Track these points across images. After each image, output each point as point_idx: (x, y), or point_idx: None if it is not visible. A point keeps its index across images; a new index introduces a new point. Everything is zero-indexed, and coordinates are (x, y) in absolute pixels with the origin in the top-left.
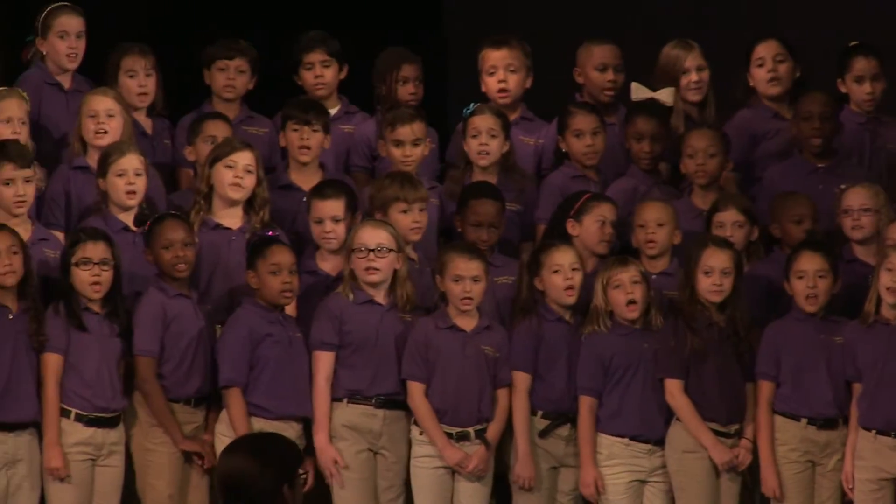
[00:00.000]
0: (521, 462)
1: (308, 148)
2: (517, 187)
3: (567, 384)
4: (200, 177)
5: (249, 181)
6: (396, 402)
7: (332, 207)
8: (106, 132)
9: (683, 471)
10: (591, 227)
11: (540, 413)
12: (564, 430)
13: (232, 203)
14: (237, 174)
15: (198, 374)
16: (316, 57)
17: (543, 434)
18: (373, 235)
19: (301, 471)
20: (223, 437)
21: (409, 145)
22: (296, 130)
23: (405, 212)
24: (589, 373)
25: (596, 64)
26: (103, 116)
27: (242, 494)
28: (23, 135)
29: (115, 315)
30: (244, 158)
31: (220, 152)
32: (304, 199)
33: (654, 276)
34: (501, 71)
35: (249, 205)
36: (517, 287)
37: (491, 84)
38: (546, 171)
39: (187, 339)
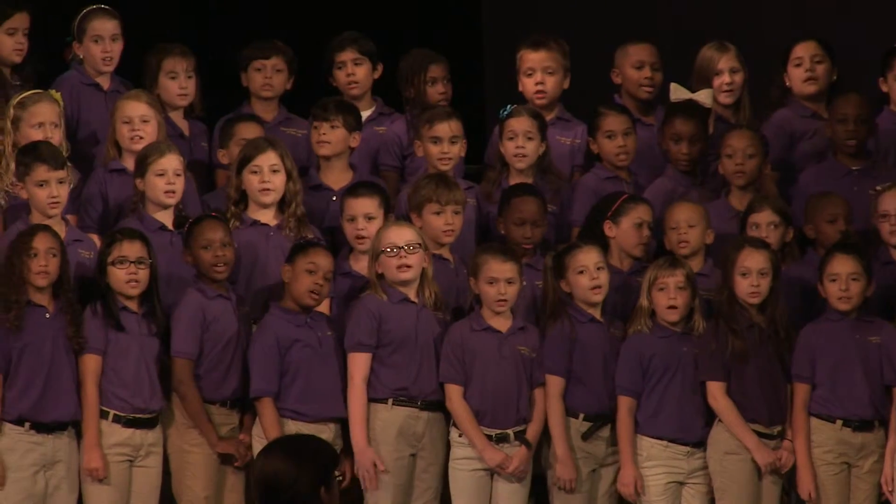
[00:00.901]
0: (562, 464)
1: (325, 143)
2: (553, 188)
3: (605, 385)
4: (231, 183)
5: (278, 180)
6: (438, 403)
7: (365, 205)
8: (141, 137)
9: (725, 472)
10: (629, 229)
11: (582, 415)
12: (605, 432)
13: (266, 206)
14: (263, 178)
15: (234, 375)
16: (348, 56)
17: (586, 436)
18: (400, 234)
19: (337, 472)
20: (260, 438)
21: (447, 142)
22: (315, 127)
23: (438, 213)
24: (628, 373)
25: (633, 62)
26: (138, 122)
27: (279, 496)
28: (55, 137)
29: (153, 315)
30: (268, 159)
31: (245, 157)
32: (334, 198)
33: None
34: (539, 73)
35: (282, 201)
36: (543, 290)
37: (528, 85)
38: (577, 167)
39: (225, 341)
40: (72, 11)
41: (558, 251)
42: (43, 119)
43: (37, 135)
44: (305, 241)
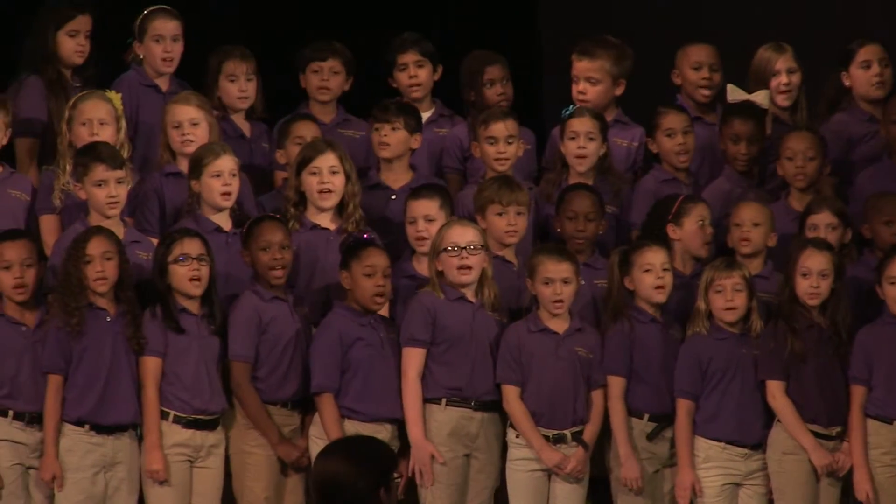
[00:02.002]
0: (626, 465)
1: (387, 144)
2: (613, 189)
3: (668, 385)
4: (290, 184)
5: (338, 182)
6: (492, 403)
7: (425, 207)
8: (192, 141)
9: (783, 472)
10: (692, 229)
11: (646, 416)
12: (670, 432)
13: (325, 209)
14: (322, 180)
15: (294, 376)
16: (410, 58)
17: (651, 436)
18: (462, 234)
19: (395, 474)
20: (317, 439)
21: (503, 142)
22: (377, 129)
23: (500, 214)
24: (687, 376)
25: (692, 63)
26: (187, 126)
27: (338, 497)
28: (103, 135)
29: (212, 316)
30: (327, 161)
31: (304, 159)
32: (393, 196)
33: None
34: (582, 82)
35: (341, 203)
36: (608, 288)
37: (574, 91)
38: (636, 166)
39: (283, 343)
40: (133, 14)
41: (625, 248)
42: (90, 116)
43: (84, 132)
44: (355, 241)
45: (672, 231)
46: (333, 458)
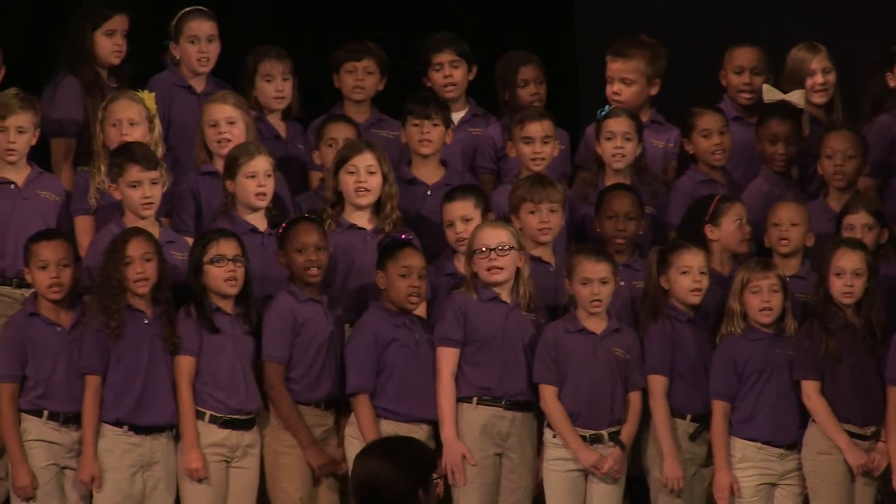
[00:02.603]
0: (669, 464)
1: (429, 141)
2: (650, 190)
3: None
4: (327, 184)
5: (374, 182)
6: (525, 403)
7: (461, 208)
8: (228, 140)
9: (818, 472)
10: (730, 227)
11: (689, 416)
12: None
13: (361, 208)
14: (360, 179)
15: (327, 377)
16: (445, 57)
17: (693, 437)
18: (493, 235)
19: (435, 474)
20: (353, 439)
21: (539, 142)
22: (416, 125)
23: (532, 212)
24: (723, 377)
25: (734, 66)
26: (224, 125)
27: (377, 498)
28: (132, 135)
29: (247, 315)
30: (365, 160)
31: (342, 158)
32: (429, 192)
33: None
34: (616, 82)
35: (378, 204)
36: (645, 287)
37: (608, 92)
38: (673, 169)
39: (318, 344)
40: (169, 15)
41: (663, 247)
42: (120, 117)
43: (114, 133)
44: (391, 242)
45: (710, 232)
46: (373, 459)
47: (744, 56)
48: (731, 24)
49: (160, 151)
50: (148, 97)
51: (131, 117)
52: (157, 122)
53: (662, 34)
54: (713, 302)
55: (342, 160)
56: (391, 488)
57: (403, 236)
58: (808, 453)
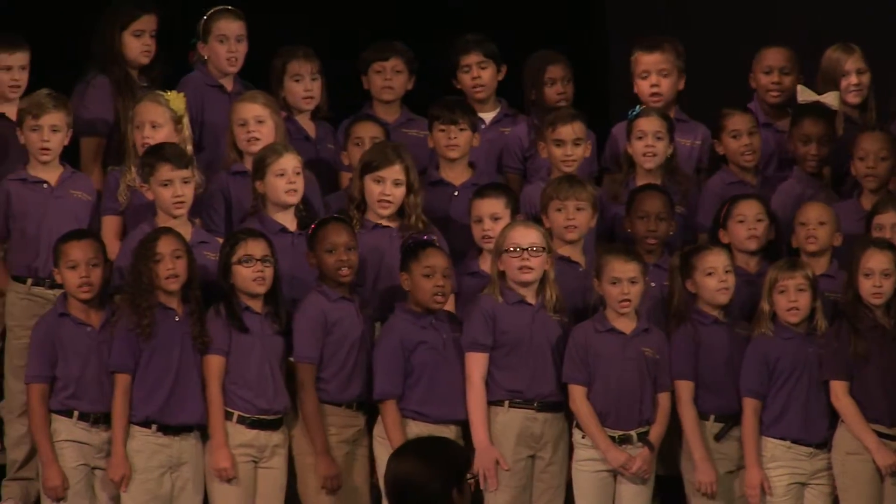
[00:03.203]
0: (701, 468)
1: (456, 146)
2: (681, 190)
3: (733, 385)
4: (353, 185)
5: (399, 194)
6: (555, 404)
7: (491, 206)
8: (258, 139)
9: (847, 472)
10: (733, 227)
11: (713, 417)
12: (738, 432)
13: (381, 217)
14: (385, 191)
15: (359, 377)
16: (472, 59)
17: (718, 437)
18: (525, 235)
19: (469, 475)
20: (381, 439)
21: (570, 145)
22: (443, 131)
23: (559, 210)
24: (754, 376)
25: (763, 67)
26: (253, 124)
27: (411, 498)
28: (157, 138)
29: (276, 315)
30: (393, 173)
31: (369, 164)
32: (455, 193)
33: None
34: (654, 75)
35: (401, 211)
36: (669, 292)
37: (643, 88)
38: (700, 165)
39: (349, 344)
40: (196, 14)
41: (686, 251)
42: (142, 119)
43: (139, 135)
44: (414, 243)
45: (723, 236)
46: (406, 459)
47: (773, 56)
48: (761, 25)
49: (189, 150)
50: (175, 98)
51: (154, 120)
52: (185, 122)
53: (692, 34)
54: (738, 300)
55: (369, 166)
56: (425, 488)
57: (426, 237)
58: (838, 453)
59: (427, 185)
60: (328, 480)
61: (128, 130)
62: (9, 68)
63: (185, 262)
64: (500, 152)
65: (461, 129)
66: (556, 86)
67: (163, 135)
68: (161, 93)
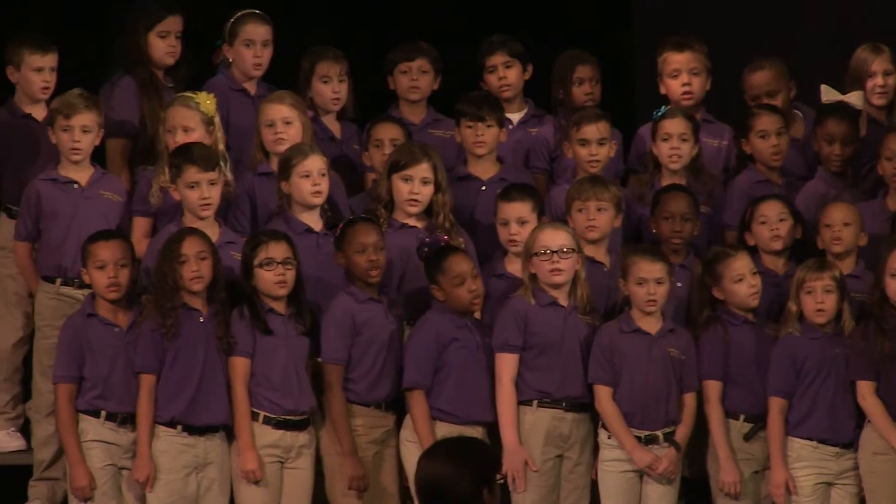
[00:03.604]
0: (725, 469)
1: (483, 143)
2: (706, 190)
3: (763, 385)
4: (381, 184)
5: (427, 192)
6: (583, 404)
7: (518, 209)
8: (284, 140)
9: (874, 473)
10: (757, 229)
11: (742, 417)
12: (766, 432)
13: (409, 215)
14: (413, 189)
15: (388, 378)
16: (498, 59)
17: (748, 437)
18: (554, 237)
19: (498, 475)
20: (408, 442)
21: (595, 144)
22: (470, 127)
23: (580, 210)
24: (781, 375)
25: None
26: (280, 125)
27: (442, 498)
28: (187, 140)
29: (300, 315)
30: (421, 171)
31: (397, 163)
32: (483, 188)
33: None
34: (685, 74)
35: (428, 208)
36: (694, 300)
37: (674, 87)
38: (728, 165)
39: (378, 345)
40: (219, 17)
41: (707, 259)
42: (173, 124)
43: (171, 139)
44: (434, 254)
45: (748, 238)
46: (437, 460)
47: (758, 78)
48: (784, 27)
49: (221, 151)
50: (206, 99)
51: (185, 124)
52: (216, 122)
53: (719, 35)
54: (765, 301)
55: (397, 165)
56: (456, 489)
57: (436, 239)
58: (864, 454)
59: (454, 181)
60: (355, 481)
61: (157, 132)
62: (40, 69)
63: (210, 263)
64: (526, 153)
65: (488, 126)
66: (584, 86)
67: (195, 138)
68: (191, 95)
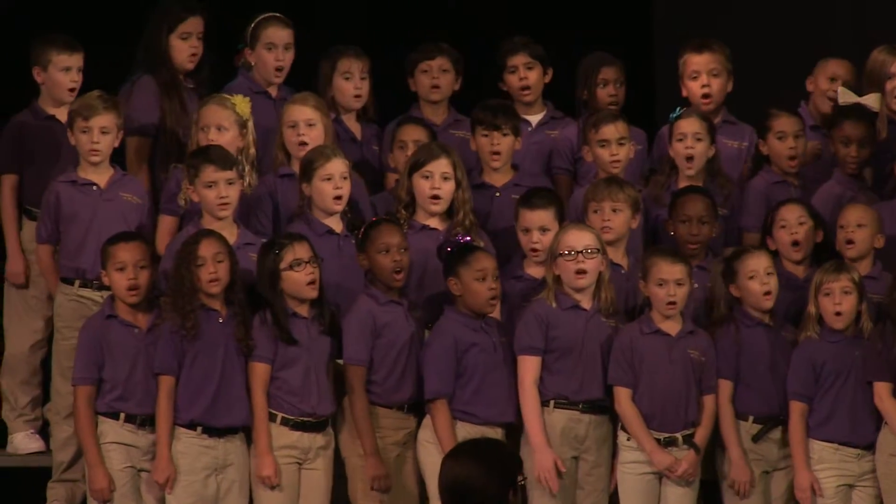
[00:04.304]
0: (736, 467)
1: (499, 154)
2: (723, 192)
3: (774, 387)
4: (401, 185)
5: (448, 188)
6: (601, 406)
7: (540, 218)
8: (306, 143)
9: (890, 474)
10: (778, 234)
11: (751, 418)
12: (776, 434)
13: (434, 214)
14: (434, 185)
15: (409, 380)
16: (519, 60)
17: (756, 438)
18: (579, 238)
19: (520, 477)
20: (427, 444)
21: (615, 144)
22: (485, 136)
23: (595, 211)
24: (801, 379)
25: (830, 74)
26: (303, 127)
27: (469, 500)
28: (221, 141)
29: (321, 316)
30: (440, 167)
31: (417, 162)
32: (497, 194)
33: None
34: (704, 75)
35: (449, 208)
36: (711, 297)
37: (694, 89)
38: (748, 170)
39: (399, 347)
40: (242, 19)
41: (728, 256)
42: (208, 122)
43: (203, 138)
44: (460, 247)
45: (770, 243)
46: (463, 462)
47: (841, 67)
48: (802, 29)
49: (252, 154)
50: (241, 102)
51: (220, 122)
52: (250, 126)
53: (739, 37)
54: (785, 305)
55: (417, 164)
56: (484, 490)
57: (460, 238)
58: (881, 455)
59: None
60: (376, 481)
61: (190, 134)
62: (68, 69)
63: (228, 265)
64: (546, 155)
65: (504, 135)
66: (609, 87)
67: (228, 138)
68: (227, 96)
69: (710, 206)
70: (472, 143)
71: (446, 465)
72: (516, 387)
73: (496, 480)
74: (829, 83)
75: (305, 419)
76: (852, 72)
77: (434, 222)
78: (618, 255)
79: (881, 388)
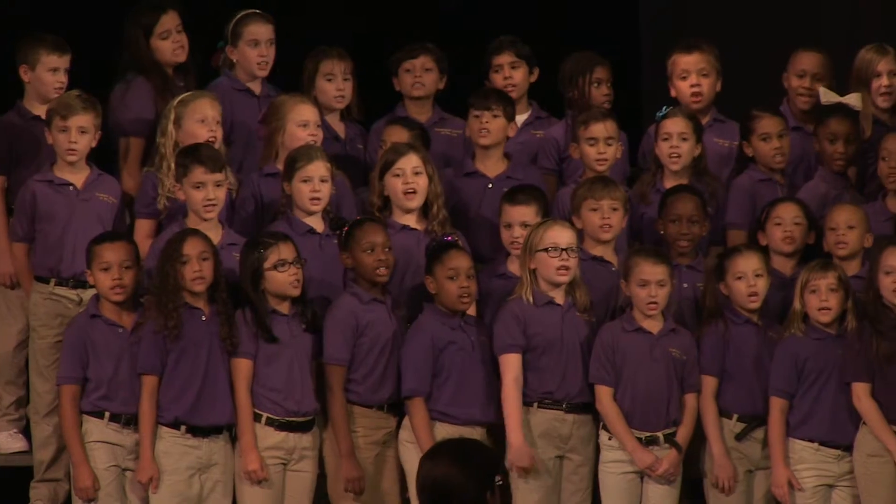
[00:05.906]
0: (718, 464)
1: (488, 131)
2: (708, 191)
3: (759, 386)
4: (373, 189)
5: (422, 183)
6: (584, 405)
7: (523, 213)
8: (316, 142)
9: (868, 475)
10: (771, 230)
11: (735, 416)
12: (760, 433)
13: (410, 210)
14: (407, 181)
15: (391, 379)
16: (505, 59)
17: (740, 437)
18: (564, 235)
19: (498, 477)
20: (407, 443)
21: (603, 143)
22: (476, 116)
23: (594, 210)
24: (783, 375)
25: (797, 70)
26: (313, 127)
27: (447, 501)
28: (219, 134)
29: (303, 315)
30: (410, 162)
31: (386, 162)
32: (489, 185)
33: None
34: (694, 75)
35: (426, 204)
36: (703, 293)
37: (683, 88)
38: (731, 170)
39: (381, 346)
40: (220, 17)
41: (721, 253)
42: (205, 115)
43: (201, 130)
44: (437, 245)
45: (761, 238)
46: (441, 462)
47: (806, 60)
48: (791, 28)
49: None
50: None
51: (215, 116)
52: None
53: (725, 35)
54: (772, 303)
55: (387, 164)
56: (461, 492)
57: (448, 238)
58: (859, 455)
59: (461, 177)
60: (351, 483)
61: (167, 132)
62: (56, 70)
63: (212, 263)
64: (531, 155)
65: (494, 116)
66: (603, 87)
67: (221, 133)
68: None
69: (699, 205)
70: (466, 129)
71: (424, 466)
72: (495, 386)
73: (473, 481)
74: (799, 79)
75: (291, 419)
76: (822, 64)
77: (412, 221)
78: (608, 253)
79: (859, 389)
